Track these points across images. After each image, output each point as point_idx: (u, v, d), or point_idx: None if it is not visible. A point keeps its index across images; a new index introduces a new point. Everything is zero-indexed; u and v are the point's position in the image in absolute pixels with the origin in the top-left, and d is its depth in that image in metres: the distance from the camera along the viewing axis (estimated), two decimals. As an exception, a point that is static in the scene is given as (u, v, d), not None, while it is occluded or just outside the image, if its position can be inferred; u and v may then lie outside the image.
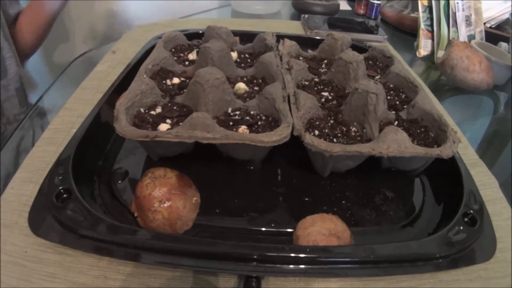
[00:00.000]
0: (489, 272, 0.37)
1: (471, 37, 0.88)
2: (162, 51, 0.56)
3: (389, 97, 0.53)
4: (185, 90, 0.48)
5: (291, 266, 0.33)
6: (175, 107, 0.46)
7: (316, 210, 0.39)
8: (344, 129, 0.46)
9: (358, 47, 0.68)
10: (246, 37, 0.69)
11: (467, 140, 0.56)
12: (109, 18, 1.10)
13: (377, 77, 0.59)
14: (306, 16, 0.99)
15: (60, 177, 0.39)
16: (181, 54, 0.61)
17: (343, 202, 0.44)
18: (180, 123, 0.41)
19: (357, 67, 0.53)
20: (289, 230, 0.39)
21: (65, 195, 0.37)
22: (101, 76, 0.63)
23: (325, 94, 0.53)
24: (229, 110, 0.47)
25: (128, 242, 0.34)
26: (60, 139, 0.48)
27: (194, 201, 0.40)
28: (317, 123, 0.46)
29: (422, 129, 0.47)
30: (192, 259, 0.33)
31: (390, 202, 0.44)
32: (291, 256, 0.33)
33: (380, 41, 0.90)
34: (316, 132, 0.44)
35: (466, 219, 0.39)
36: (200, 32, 0.67)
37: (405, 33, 1.03)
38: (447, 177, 0.46)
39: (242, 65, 0.60)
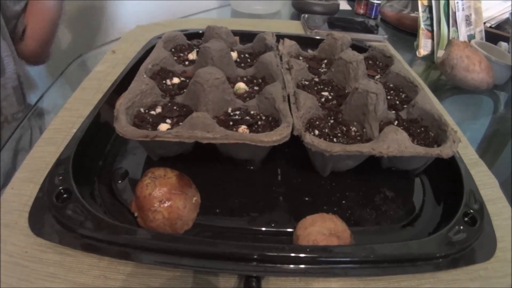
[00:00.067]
0: (489, 271, 0.37)
1: (471, 37, 0.88)
2: (162, 51, 0.56)
3: (389, 97, 0.53)
4: (185, 90, 0.48)
5: (291, 266, 0.33)
6: (175, 107, 0.46)
7: (316, 210, 0.40)
8: (344, 128, 0.46)
9: (358, 47, 0.68)
10: (246, 37, 0.69)
11: (467, 140, 0.56)
12: (109, 18, 1.10)
13: (377, 76, 0.59)
14: (306, 16, 0.99)
15: (60, 177, 0.39)
16: (181, 54, 0.61)
17: (343, 201, 0.44)
18: (180, 123, 0.41)
19: (357, 66, 0.53)
20: (289, 230, 0.39)
21: (65, 195, 0.37)
22: (101, 76, 0.63)
23: (325, 94, 0.53)
24: (229, 110, 0.47)
25: (128, 242, 0.34)
26: (60, 139, 0.48)
27: (194, 201, 0.40)
28: (317, 123, 0.46)
29: (422, 129, 0.47)
30: (192, 259, 0.33)
31: (390, 201, 0.44)
32: (291, 256, 0.33)
33: (380, 40, 0.90)
34: (316, 132, 0.44)
35: (466, 219, 0.39)
36: (200, 32, 0.67)
37: (405, 32, 1.03)
38: (447, 176, 0.46)
39: (242, 65, 0.60)
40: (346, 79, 0.54)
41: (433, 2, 0.86)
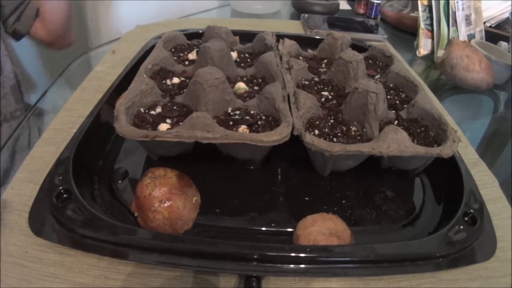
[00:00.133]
0: (489, 271, 0.37)
1: (471, 36, 0.88)
2: (162, 51, 0.56)
3: (389, 97, 0.53)
4: (185, 90, 0.48)
5: (292, 265, 0.33)
6: (175, 107, 0.46)
7: (316, 210, 0.39)
8: (344, 128, 0.46)
9: (358, 47, 0.68)
10: (246, 36, 0.69)
11: (467, 140, 0.56)
12: (109, 18, 1.10)
13: (377, 76, 0.59)
14: (306, 15, 0.99)
15: (60, 177, 0.39)
16: (181, 54, 0.61)
17: (343, 201, 0.44)
18: (180, 123, 0.41)
19: (357, 66, 0.53)
20: (289, 229, 0.39)
21: (65, 195, 0.37)
22: (101, 76, 0.63)
23: (325, 93, 0.53)
24: (229, 109, 0.47)
25: (128, 242, 0.34)
26: (60, 139, 0.48)
27: (194, 201, 0.40)
28: (317, 122, 0.46)
29: (422, 129, 0.47)
30: (192, 259, 0.33)
31: (390, 201, 0.44)
32: (291, 256, 0.33)
33: (380, 40, 0.90)
34: (316, 132, 0.44)
35: (466, 219, 0.39)
36: (200, 32, 0.67)
37: (405, 32, 1.03)
38: (447, 176, 0.46)
39: (242, 64, 0.60)
40: (346, 79, 0.54)
41: (433, 2, 0.86)
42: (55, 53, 0.82)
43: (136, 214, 0.38)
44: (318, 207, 0.42)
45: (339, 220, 0.38)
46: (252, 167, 0.47)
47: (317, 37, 0.79)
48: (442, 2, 0.85)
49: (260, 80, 0.54)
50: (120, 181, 0.44)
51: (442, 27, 0.86)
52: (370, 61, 0.64)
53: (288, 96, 0.48)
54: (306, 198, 0.44)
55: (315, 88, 0.54)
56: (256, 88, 0.53)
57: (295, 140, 0.41)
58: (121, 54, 0.71)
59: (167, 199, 0.37)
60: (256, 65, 0.56)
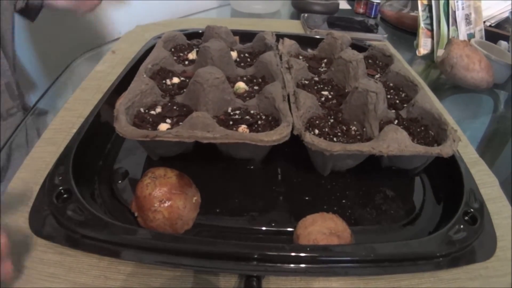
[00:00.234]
0: (489, 270, 0.37)
1: (470, 36, 0.88)
2: (161, 51, 0.56)
3: (389, 96, 0.53)
4: (185, 90, 0.48)
5: (292, 265, 0.33)
6: (175, 107, 0.46)
7: (316, 209, 0.39)
8: (344, 128, 0.46)
9: (357, 46, 0.68)
10: (246, 36, 0.69)
11: (467, 139, 0.56)
12: (109, 18, 1.10)
13: (377, 76, 0.59)
14: (306, 15, 0.99)
15: (60, 177, 0.39)
16: (181, 54, 0.61)
17: (344, 201, 0.44)
18: (180, 123, 0.41)
19: (357, 66, 0.53)
20: (289, 229, 0.39)
21: (65, 195, 0.37)
22: (101, 76, 0.63)
23: (325, 93, 0.53)
24: (229, 109, 0.47)
25: (128, 242, 0.34)
26: (60, 139, 0.48)
27: (195, 200, 0.40)
28: (317, 122, 0.46)
29: (422, 128, 0.47)
30: (192, 258, 0.33)
31: (391, 201, 0.44)
32: (291, 255, 0.33)
33: (379, 40, 0.90)
34: (316, 131, 0.44)
35: (466, 218, 0.39)
36: (200, 31, 0.67)
37: (404, 32, 1.03)
38: (447, 176, 0.46)
39: (242, 64, 0.60)
40: (346, 79, 0.54)
41: (433, 1, 0.86)
42: (55, 53, 0.82)
43: (136, 214, 0.38)
44: (318, 207, 0.42)
45: (339, 219, 0.38)
46: (252, 167, 0.47)
47: (317, 36, 0.79)
48: (442, 2, 0.85)
49: (260, 80, 0.54)
50: (120, 181, 0.44)
51: (442, 27, 0.86)
52: (370, 61, 0.64)
53: (288, 95, 0.48)
54: (306, 198, 0.44)
55: (315, 87, 0.54)
56: (256, 87, 0.53)
57: (295, 140, 0.41)
58: (121, 54, 0.71)
59: (167, 199, 0.37)
60: (256, 64, 0.56)
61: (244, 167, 0.47)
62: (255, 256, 0.33)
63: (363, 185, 0.46)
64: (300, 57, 0.63)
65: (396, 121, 0.48)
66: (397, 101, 0.52)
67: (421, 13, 0.88)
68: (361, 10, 1.16)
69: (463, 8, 0.86)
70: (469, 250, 0.37)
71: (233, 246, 0.34)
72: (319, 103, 0.49)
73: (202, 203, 0.41)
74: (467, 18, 0.88)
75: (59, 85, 0.67)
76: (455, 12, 0.86)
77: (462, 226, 0.38)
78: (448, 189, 0.45)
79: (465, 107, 0.76)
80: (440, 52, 0.84)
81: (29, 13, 0.69)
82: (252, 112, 0.47)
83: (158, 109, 0.46)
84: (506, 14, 0.97)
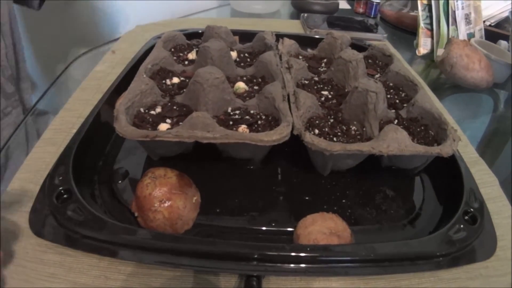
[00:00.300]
0: (489, 270, 0.37)
1: (470, 35, 0.88)
2: (161, 51, 0.56)
3: (389, 96, 0.53)
4: (184, 90, 0.48)
5: (292, 265, 0.33)
6: (175, 107, 0.46)
7: (316, 209, 0.40)
8: (344, 128, 0.46)
9: (357, 46, 0.68)
10: (246, 36, 0.69)
11: (467, 138, 0.56)
12: (109, 18, 1.10)
13: (376, 75, 0.59)
14: (306, 15, 0.99)
15: (61, 178, 0.39)
16: (181, 54, 0.61)
17: (344, 201, 0.44)
18: (180, 123, 0.41)
19: (357, 66, 0.53)
20: (289, 229, 0.39)
21: (65, 196, 0.37)
22: (100, 76, 0.63)
23: (325, 93, 0.53)
24: (229, 109, 0.47)
25: (128, 242, 0.34)
26: (60, 139, 0.48)
27: (195, 200, 0.40)
28: (317, 122, 0.46)
29: (422, 128, 0.47)
30: (192, 258, 0.33)
31: (391, 200, 0.44)
32: (291, 255, 0.33)
33: (379, 39, 0.90)
34: (316, 131, 0.44)
35: (466, 217, 0.39)
36: (200, 31, 0.67)
37: (404, 31, 1.03)
38: (447, 175, 0.46)
39: (242, 64, 0.60)
40: (345, 78, 0.54)
41: (433, 1, 0.86)
42: (55, 53, 0.82)
43: (136, 214, 0.38)
44: (318, 207, 0.42)
45: (339, 219, 0.38)
46: (252, 167, 0.47)
47: (317, 36, 0.79)
48: (441, 1, 0.85)
49: (260, 80, 0.54)
50: (120, 181, 0.44)
51: (442, 26, 0.86)
52: (369, 61, 0.64)
53: (288, 95, 0.48)
54: (306, 198, 0.44)
55: (315, 87, 0.54)
56: (256, 87, 0.53)
57: (295, 140, 0.41)
58: (121, 54, 0.71)
59: (167, 199, 0.37)
60: (256, 64, 0.56)
61: (244, 167, 0.47)
62: (255, 256, 0.33)
63: (363, 185, 0.46)
64: (300, 57, 0.63)
65: (396, 121, 0.48)
66: (397, 101, 0.52)
67: (421, 13, 0.88)
68: (360, 10, 1.16)
69: (462, 8, 0.86)
70: (469, 249, 0.37)
71: (233, 246, 0.34)
72: (319, 103, 0.49)
73: (202, 203, 0.41)
74: (467, 17, 0.88)
75: (59, 85, 0.67)
76: (454, 11, 0.86)
77: (462, 226, 0.38)
78: (448, 189, 0.45)
79: (465, 106, 0.76)
80: (440, 52, 0.84)
81: (31, 1, 0.68)
82: (252, 112, 0.47)
83: (158, 109, 0.46)
84: (506, 14, 0.97)
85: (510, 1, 0.96)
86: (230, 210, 0.42)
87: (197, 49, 0.61)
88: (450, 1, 0.85)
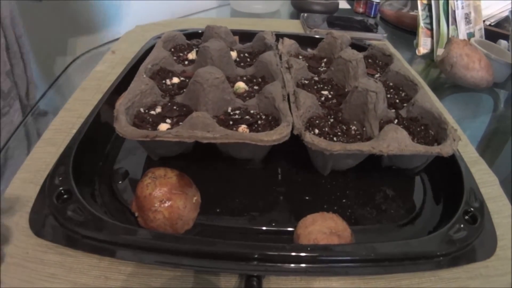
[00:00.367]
0: (489, 270, 0.37)
1: (470, 35, 0.88)
2: (161, 51, 0.56)
3: (389, 96, 0.53)
4: (184, 90, 0.48)
5: (292, 265, 0.33)
6: (175, 107, 0.46)
7: (316, 209, 0.40)
8: (344, 127, 0.46)
9: (357, 46, 0.68)
10: (246, 36, 0.69)
11: (467, 138, 0.56)
12: (109, 18, 1.10)
13: (376, 75, 0.59)
14: (306, 15, 0.99)
15: (61, 178, 0.39)
16: (181, 54, 0.61)
17: (344, 200, 0.44)
18: (180, 123, 0.41)
19: (357, 65, 0.53)
20: (289, 229, 0.39)
21: (65, 196, 0.37)
22: (100, 76, 0.63)
23: (325, 92, 0.53)
24: (229, 109, 0.47)
25: (129, 242, 0.34)
26: (60, 139, 0.48)
27: (195, 200, 0.40)
28: (317, 122, 0.46)
29: (422, 127, 0.47)
30: (193, 258, 0.33)
31: (391, 200, 0.44)
32: (292, 255, 0.33)
33: (379, 39, 0.90)
34: (316, 131, 0.44)
35: (466, 217, 0.39)
36: (200, 31, 0.67)
37: (404, 31, 1.03)
38: (448, 175, 0.46)
39: (242, 64, 0.60)
40: (345, 78, 0.54)
41: (433, 1, 0.86)
42: (55, 53, 0.82)
43: (136, 214, 0.38)
44: (318, 206, 0.42)
45: (339, 219, 0.38)
46: (252, 167, 0.47)
47: (317, 36, 0.79)
48: (441, 1, 0.85)
49: (259, 80, 0.54)
50: (120, 181, 0.44)
51: (442, 26, 0.86)
52: (369, 60, 0.64)
53: (288, 95, 0.48)
54: (307, 198, 0.44)
55: (315, 87, 0.54)
56: (256, 87, 0.53)
57: (295, 140, 0.41)
58: (120, 54, 0.71)
59: (167, 199, 0.37)
60: (256, 64, 0.56)
61: (244, 167, 0.47)
62: (256, 256, 0.33)
63: (363, 185, 0.46)
64: (300, 57, 0.63)
65: (396, 121, 0.48)
66: (397, 101, 0.52)
67: (421, 13, 0.88)
68: (360, 10, 1.16)
69: (462, 7, 0.86)
70: (470, 249, 0.37)
71: (234, 246, 0.34)
72: (319, 103, 0.49)
73: (202, 203, 0.41)
74: (467, 17, 0.88)
75: (59, 85, 0.67)
76: (454, 11, 0.86)
77: (462, 225, 0.38)
78: (448, 188, 0.45)
79: (465, 106, 0.76)
80: (440, 51, 0.84)
81: None
82: (252, 112, 0.47)
83: (158, 109, 0.46)
84: (506, 13, 0.97)
85: (510, 1, 0.96)
86: (230, 210, 0.42)
87: (197, 49, 0.61)
88: (450, 1, 0.85)
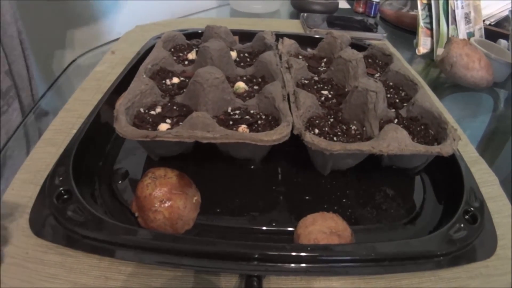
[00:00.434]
0: (490, 269, 0.37)
1: (470, 35, 0.88)
2: (161, 51, 0.55)
3: (388, 95, 0.53)
4: (184, 90, 0.48)
5: (292, 265, 0.33)
6: (174, 107, 0.46)
7: (316, 209, 0.40)
8: (344, 127, 0.46)
9: (357, 45, 0.68)
10: (245, 36, 0.69)
11: (467, 138, 0.56)
12: (109, 18, 1.10)
13: (376, 75, 0.59)
14: (305, 14, 0.99)
15: (61, 178, 0.39)
16: (181, 54, 0.61)
17: (344, 200, 0.44)
18: (180, 123, 0.41)
19: (357, 65, 0.53)
20: (290, 229, 0.39)
21: (65, 196, 0.37)
22: (100, 76, 0.63)
23: (325, 92, 0.53)
24: (229, 109, 0.47)
25: (129, 243, 0.34)
26: (60, 140, 0.48)
27: (195, 200, 0.40)
28: (317, 121, 0.46)
29: (422, 127, 0.47)
30: (193, 258, 0.33)
31: (391, 200, 0.44)
32: (292, 255, 0.33)
33: (379, 39, 0.90)
34: (316, 131, 0.44)
35: (466, 217, 0.39)
36: (199, 31, 0.67)
37: (404, 31, 1.03)
38: (448, 174, 0.46)
39: (242, 64, 0.60)
40: (345, 78, 0.54)
41: (432, 1, 0.86)
42: (55, 53, 0.82)
43: (136, 215, 0.38)
44: (318, 206, 0.42)
45: (339, 219, 0.38)
46: (252, 167, 0.47)
47: (317, 36, 0.79)
48: (441, 1, 0.85)
49: (259, 80, 0.54)
50: (120, 182, 0.44)
51: (442, 26, 0.86)
52: (369, 60, 0.64)
53: (288, 95, 0.48)
54: (307, 197, 0.44)
55: (315, 87, 0.54)
56: (255, 87, 0.53)
57: (295, 139, 0.41)
58: (120, 54, 0.71)
59: (167, 199, 0.37)
60: (256, 64, 0.56)
61: (244, 167, 0.47)
62: (256, 255, 0.33)
63: (363, 184, 0.46)
64: (300, 57, 0.63)
65: (396, 120, 0.48)
66: (397, 100, 0.52)
67: (421, 12, 0.88)
68: (360, 9, 1.16)
69: (462, 7, 0.86)
70: (470, 249, 0.37)
71: (234, 246, 0.34)
72: (319, 103, 0.49)
73: (202, 203, 0.41)
74: (467, 16, 0.88)
75: (59, 85, 0.67)
76: (454, 11, 0.86)
77: (462, 225, 0.38)
78: (449, 188, 0.45)
79: (465, 106, 0.76)
80: (439, 51, 0.84)
81: None
82: (252, 112, 0.47)
83: (158, 109, 0.46)
84: (506, 13, 0.97)
85: (509, 0, 0.96)
86: (230, 210, 0.42)
87: (197, 49, 0.61)
88: (449, 1, 0.85)
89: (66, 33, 1.07)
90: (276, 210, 0.42)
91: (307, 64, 0.58)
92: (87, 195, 0.39)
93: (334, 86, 0.55)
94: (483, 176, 0.48)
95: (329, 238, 0.36)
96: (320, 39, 0.66)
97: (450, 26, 0.86)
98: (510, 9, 0.96)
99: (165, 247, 0.33)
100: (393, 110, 0.49)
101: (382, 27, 0.96)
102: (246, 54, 0.63)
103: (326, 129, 0.45)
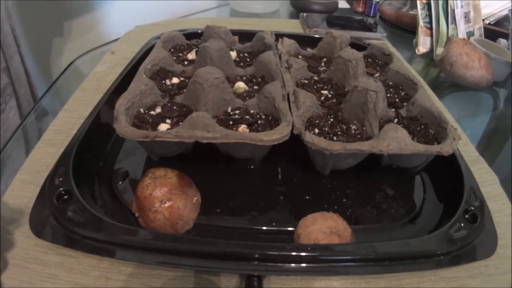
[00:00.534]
0: (490, 268, 0.37)
1: (470, 34, 0.88)
2: (161, 51, 0.55)
3: (388, 95, 0.53)
4: (184, 90, 0.48)
5: (293, 264, 0.33)
6: (174, 107, 0.46)
7: (317, 209, 0.40)
8: (344, 127, 0.46)
9: (357, 45, 0.68)
10: (245, 36, 0.69)
11: (467, 137, 0.56)
12: (109, 18, 1.10)
13: (376, 74, 0.59)
14: (305, 14, 0.99)
15: (61, 179, 0.39)
16: (180, 54, 0.61)
17: (344, 200, 0.44)
18: (180, 123, 0.41)
19: (356, 65, 0.53)
20: (290, 228, 0.39)
21: (65, 196, 0.37)
22: (100, 76, 0.63)
23: (325, 92, 0.53)
24: (229, 109, 0.47)
25: (129, 243, 0.34)
26: (60, 140, 0.48)
27: (195, 200, 0.40)
28: (317, 121, 0.46)
29: (422, 127, 0.47)
30: (193, 258, 0.33)
31: (391, 199, 0.44)
32: (292, 255, 0.33)
33: (379, 38, 0.90)
34: (316, 131, 0.44)
35: (467, 216, 0.39)
36: (199, 31, 0.67)
37: (404, 30, 1.03)
38: (448, 174, 0.46)
39: (241, 64, 0.60)
40: (345, 77, 0.54)
41: (432, 0, 0.86)
42: (54, 53, 0.82)
43: (136, 215, 0.38)
44: (318, 206, 0.42)
45: (339, 218, 0.38)
46: (252, 167, 0.47)
47: (316, 36, 0.79)
48: (441, 0, 0.85)
49: (259, 80, 0.54)
50: (120, 182, 0.44)
51: (441, 25, 0.86)
52: (369, 60, 0.64)
53: (288, 95, 0.48)
54: (307, 197, 0.44)
55: (315, 87, 0.54)
56: (255, 87, 0.53)
57: (295, 139, 0.41)
58: (120, 54, 0.71)
59: (167, 199, 0.37)
60: (256, 64, 0.56)
61: (244, 167, 0.47)
62: (256, 255, 0.33)
63: (363, 184, 0.46)
64: (300, 57, 0.63)
65: (396, 120, 0.48)
66: (397, 100, 0.52)
67: (420, 12, 0.88)
68: (360, 9, 1.16)
69: (462, 6, 0.86)
70: (470, 248, 0.37)
71: (234, 246, 0.34)
72: (319, 102, 0.49)
73: (202, 203, 0.41)
74: (466, 16, 0.88)
75: (59, 86, 0.67)
76: (454, 10, 0.86)
77: (462, 224, 0.38)
78: (449, 188, 0.45)
79: (465, 105, 0.76)
80: (439, 51, 0.84)
81: None
82: (252, 111, 0.47)
83: (158, 110, 0.46)
84: (505, 12, 0.97)
85: (509, 0, 0.96)
86: (230, 210, 0.42)
87: (196, 49, 0.61)
88: (449, 0, 0.85)
89: (66, 33, 1.07)
90: (276, 210, 0.42)
91: (306, 64, 0.58)
92: (87, 196, 0.39)
93: (334, 86, 0.55)
94: (483, 176, 0.48)
95: (329, 238, 0.36)
96: (319, 39, 0.66)
97: (450, 26, 0.86)
98: (510, 8, 0.96)
99: (166, 247, 0.33)
100: (393, 109, 0.49)
101: (382, 27, 0.96)
102: (245, 54, 0.63)
103: (326, 128, 0.45)
